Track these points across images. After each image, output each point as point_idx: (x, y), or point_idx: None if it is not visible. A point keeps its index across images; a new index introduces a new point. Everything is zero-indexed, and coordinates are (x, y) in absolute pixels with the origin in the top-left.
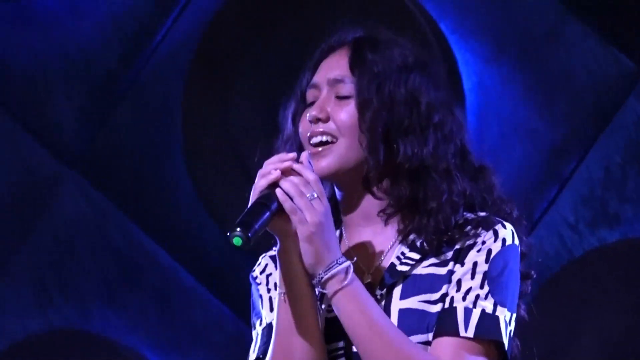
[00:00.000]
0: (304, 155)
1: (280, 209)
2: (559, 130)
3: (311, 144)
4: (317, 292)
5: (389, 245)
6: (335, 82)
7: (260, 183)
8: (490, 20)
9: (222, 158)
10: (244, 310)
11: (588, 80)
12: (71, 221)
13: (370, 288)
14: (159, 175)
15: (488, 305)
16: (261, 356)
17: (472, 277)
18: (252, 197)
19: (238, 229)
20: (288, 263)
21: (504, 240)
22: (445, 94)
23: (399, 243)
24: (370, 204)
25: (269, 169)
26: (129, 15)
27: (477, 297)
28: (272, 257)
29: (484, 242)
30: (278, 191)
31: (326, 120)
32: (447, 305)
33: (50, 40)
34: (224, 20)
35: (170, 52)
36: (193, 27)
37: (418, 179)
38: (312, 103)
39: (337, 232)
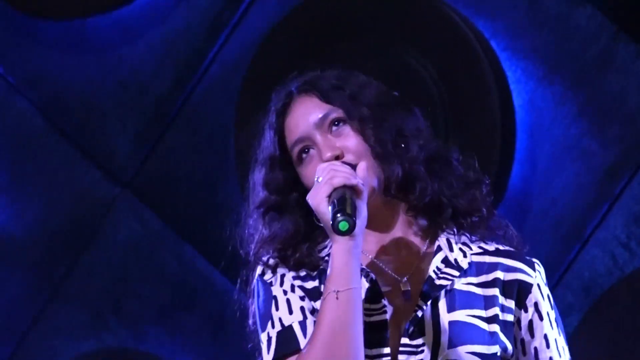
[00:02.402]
0: (362, 167)
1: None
2: (611, 150)
3: None
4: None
5: (419, 255)
6: (322, 119)
7: (336, 180)
8: (543, 40)
9: None
10: None
11: None
12: (125, 244)
13: (408, 296)
14: (212, 198)
15: (567, 352)
16: None
17: (552, 327)
18: (322, 192)
19: (340, 216)
20: (346, 261)
21: (546, 282)
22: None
23: (432, 255)
24: (392, 210)
25: (347, 175)
26: (181, 37)
27: (564, 349)
28: (282, 259)
29: (539, 286)
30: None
31: (343, 155)
32: None
33: (104, 63)
34: (274, 41)
35: (221, 74)
36: (244, 48)
37: (432, 172)
38: (303, 152)
39: None
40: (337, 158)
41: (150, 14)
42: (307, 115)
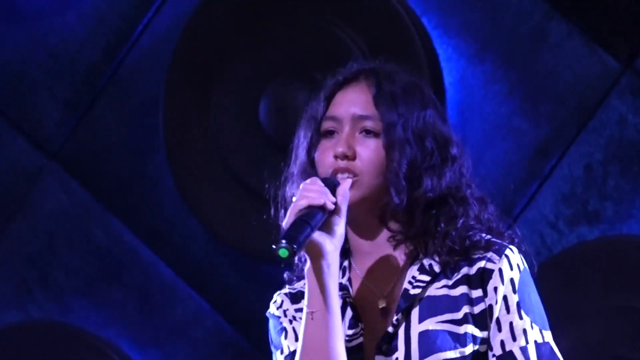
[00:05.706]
0: (345, 185)
1: (319, 226)
2: (541, 129)
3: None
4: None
5: (400, 269)
6: (360, 118)
7: (301, 202)
8: (475, 18)
9: (203, 153)
10: (223, 306)
11: (572, 79)
12: (52, 214)
13: (385, 313)
14: (140, 170)
15: (536, 335)
16: None
17: (508, 312)
18: (291, 214)
19: (284, 242)
20: (319, 282)
21: (518, 266)
22: (449, 126)
23: (409, 267)
24: (382, 234)
25: (314, 195)
26: (112, 7)
27: (525, 331)
28: (287, 294)
29: (500, 270)
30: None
31: (353, 157)
32: (499, 350)
33: (34, 33)
34: (205, 13)
35: (152, 45)
36: (175, 19)
37: (432, 209)
38: (329, 132)
39: (346, 262)
40: (345, 157)
41: None
42: (352, 104)
